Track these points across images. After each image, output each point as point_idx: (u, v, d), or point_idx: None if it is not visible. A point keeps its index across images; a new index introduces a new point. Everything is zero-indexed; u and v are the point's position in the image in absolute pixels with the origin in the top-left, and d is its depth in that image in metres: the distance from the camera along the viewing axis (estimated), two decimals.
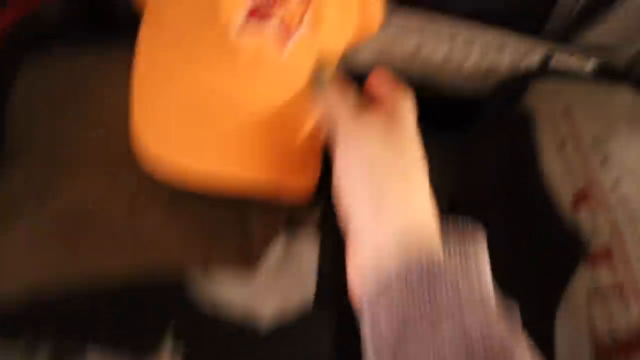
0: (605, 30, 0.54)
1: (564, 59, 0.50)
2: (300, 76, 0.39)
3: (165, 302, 0.37)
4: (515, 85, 0.48)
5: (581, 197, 0.40)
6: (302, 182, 0.41)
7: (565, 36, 0.55)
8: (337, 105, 0.36)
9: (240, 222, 0.40)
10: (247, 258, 0.39)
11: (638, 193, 0.39)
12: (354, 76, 0.51)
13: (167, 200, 0.40)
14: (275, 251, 0.40)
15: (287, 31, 0.38)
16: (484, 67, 0.51)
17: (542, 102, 0.45)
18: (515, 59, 0.51)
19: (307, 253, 0.42)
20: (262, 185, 0.38)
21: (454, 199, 0.50)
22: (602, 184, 0.40)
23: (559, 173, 0.42)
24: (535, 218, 0.42)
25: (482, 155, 0.49)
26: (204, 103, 0.38)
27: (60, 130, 0.41)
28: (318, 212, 0.43)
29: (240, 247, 0.39)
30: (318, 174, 0.42)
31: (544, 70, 0.50)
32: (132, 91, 0.39)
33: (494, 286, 0.31)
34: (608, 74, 0.49)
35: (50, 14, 0.47)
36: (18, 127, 0.41)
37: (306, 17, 0.38)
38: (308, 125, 0.41)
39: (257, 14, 0.37)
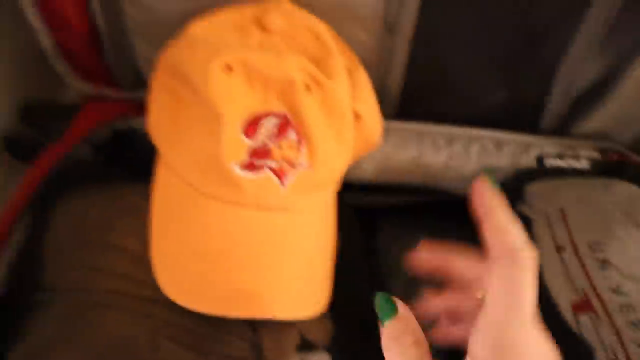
0: (600, 119, 0.56)
1: (558, 157, 0.52)
2: (302, 207, 0.42)
3: None
4: (513, 187, 0.50)
5: (582, 302, 0.41)
6: (313, 312, 0.43)
7: (561, 129, 0.57)
8: None
9: (254, 347, 0.42)
10: None
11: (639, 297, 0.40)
12: (358, 186, 0.54)
13: (186, 332, 0.42)
14: None
15: (286, 168, 0.42)
16: (484, 169, 0.53)
17: (538, 205, 0.47)
18: (513, 159, 0.53)
19: None
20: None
21: None
22: (602, 289, 0.41)
23: (559, 277, 0.43)
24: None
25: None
26: (214, 245, 0.41)
27: (88, 265, 0.44)
28: (328, 333, 0.45)
29: None
30: (328, 296, 0.44)
31: (540, 169, 0.52)
32: (150, 231, 0.43)
33: None
34: (603, 168, 0.50)
35: (80, 155, 0.53)
36: (50, 270, 0.45)
37: (303, 154, 0.42)
38: (318, 255, 0.43)
39: (258, 154, 0.41)
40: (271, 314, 0.40)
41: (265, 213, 0.42)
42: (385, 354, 0.28)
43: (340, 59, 0.45)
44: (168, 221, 0.43)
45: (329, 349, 0.44)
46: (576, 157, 0.51)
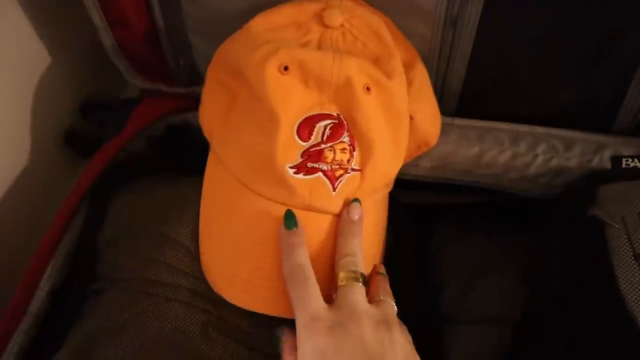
0: None
1: (637, 158, 0.48)
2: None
3: None
4: (585, 190, 0.46)
5: None
6: None
7: (636, 130, 0.52)
8: None
9: None
10: None
11: None
12: (415, 184, 0.52)
13: (239, 331, 0.41)
14: None
15: (338, 171, 0.41)
16: (551, 170, 0.50)
17: (614, 209, 0.43)
18: (584, 159, 0.49)
19: None
20: None
21: (527, 307, 0.48)
22: None
23: (637, 288, 0.39)
24: (608, 330, 0.39)
25: (553, 258, 0.47)
26: (262, 244, 0.40)
27: (143, 256, 0.45)
28: None
29: None
30: None
31: (615, 171, 0.48)
32: (200, 226, 0.43)
33: None
34: None
35: (136, 148, 0.53)
36: (106, 260, 0.46)
37: (355, 158, 0.41)
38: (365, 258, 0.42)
39: (311, 156, 0.40)
40: None
41: (315, 214, 0.41)
42: None
43: (399, 58, 0.44)
44: (217, 217, 0.43)
45: None
46: None
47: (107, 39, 0.56)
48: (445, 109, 0.56)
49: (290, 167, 0.40)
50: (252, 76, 0.41)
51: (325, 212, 0.41)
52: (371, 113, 0.41)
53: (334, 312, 0.36)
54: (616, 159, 0.48)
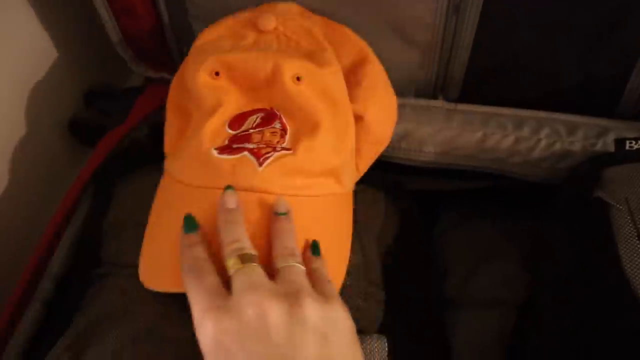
0: None
1: (639, 142, 0.48)
2: (287, 190, 0.40)
3: None
4: (589, 172, 0.47)
5: None
6: None
7: (639, 114, 0.53)
8: None
9: None
10: None
11: None
12: (418, 169, 0.52)
13: None
14: None
15: (264, 149, 0.40)
16: (554, 154, 0.50)
17: (618, 190, 0.43)
18: (587, 143, 0.50)
19: (377, 354, 0.41)
20: None
21: (531, 290, 0.48)
22: None
23: (639, 265, 0.39)
24: (613, 312, 0.39)
25: (557, 243, 0.47)
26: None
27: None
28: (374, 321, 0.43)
29: None
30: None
31: (618, 154, 0.48)
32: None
33: None
34: None
35: (140, 137, 0.53)
36: (110, 246, 0.46)
37: (286, 140, 0.41)
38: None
39: (237, 139, 0.41)
40: None
41: (243, 193, 0.39)
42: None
43: (333, 53, 0.46)
44: (153, 218, 0.43)
45: (387, 333, 0.42)
46: None
47: (112, 28, 0.56)
48: (449, 94, 0.56)
49: (215, 149, 0.40)
50: (190, 87, 0.44)
51: (253, 190, 0.39)
52: (303, 99, 0.42)
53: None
54: (620, 141, 0.48)
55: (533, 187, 0.52)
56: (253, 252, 0.35)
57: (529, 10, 0.49)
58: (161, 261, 0.40)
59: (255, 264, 0.34)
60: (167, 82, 0.50)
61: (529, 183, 0.52)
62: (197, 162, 0.41)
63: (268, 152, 0.40)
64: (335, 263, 0.41)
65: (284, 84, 0.42)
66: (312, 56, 0.45)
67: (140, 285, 0.41)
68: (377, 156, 0.50)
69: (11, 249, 0.58)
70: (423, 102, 0.54)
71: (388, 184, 0.49)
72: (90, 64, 0.65)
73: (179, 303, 0.40)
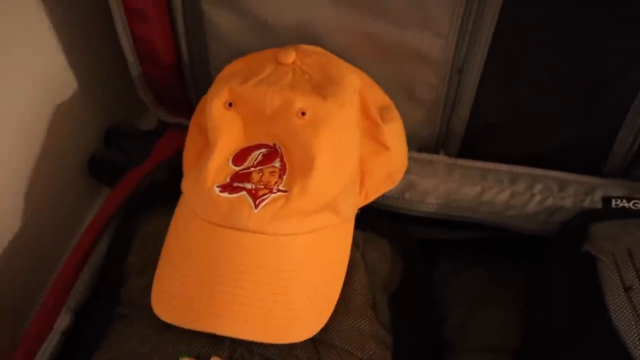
0: None
1: (625, 199, 0.52)
2: (282, 230, 0.43)
3: None
4: (578, 227, 0.50)
5: None
6: (294, 337, 0.41)
7: (625, 172, 0.57)
8: None
9: None
10: None
11: None
12: (420, 220, 0.56)
13: (257, 355, 0.42)
14: None
15: (262, 190, 0.43)
16: (547, 208, 0.54)
17: (604, 245, 0.47)
18: (577, 200, 0.54)
19: None
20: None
21: (526, 338, 0.51)
22: None
23: (628, 317, 0.42)
24: (602, 358, 0.42)
25: (550, 292, 0.50)
26: (191, 261, 0.43)
27: None
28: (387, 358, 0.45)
29: None
30: (317, 324, 0.42)
31: (605, 211, 0.52)
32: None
33: None
34: None
35: (160, 178, 0.56)
36: (130, 286, 0.48)
37: (284, 181, 0.44)
38: (303, 282, 0.43)
39: (239, 177, 0.44)
40: (244, 335, 0.40)
41: (237, 232, 0.42)
42: None
43: (343, 87, 0.47)
44: (166, 246, 0.46)
45: None
46: None
47: (135, 70, 0.60)
48: (449, 150, 0.60)
49: (218, 187, 0.43)
50: (207, 114, 0.47)
51: (246, 230, 0.42)
52: (302, 135, 0.44)
53: None
54: (607, 200, 0.52)
55: (527, 238, 0.56)
56: None
57: (525, 73, 0.54)
58: (168, 292, 0.43)
59: None
60: (185, 128, 0.54)
61: (524, 235, 0.55)
62: (201, 197, 0.44)
63: (265, 194, 0.43)
64: (329, 291, 0.44)
65: (288, 119, 0.45)
66: (320, 88, 0.47)
67: (162, 327, 0.43)
68: (387, 188, 0.53)
69: (28, 285, 0.59)
70: (426, 156, 0.58)
71: (394, 231, 0.52)
72: (110, 103, 0.68)
73: (205, 347, 0.42)
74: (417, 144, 0.59)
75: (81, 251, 0.54)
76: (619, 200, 0.52)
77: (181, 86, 0.61)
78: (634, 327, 0.42)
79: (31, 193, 0.58)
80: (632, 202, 0.51)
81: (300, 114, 0.45)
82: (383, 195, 0.54)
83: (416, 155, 0.58)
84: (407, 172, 0.55)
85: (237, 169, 0.45)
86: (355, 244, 0.48)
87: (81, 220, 0.65)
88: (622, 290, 0.44)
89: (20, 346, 0.49)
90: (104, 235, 0.54)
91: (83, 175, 0.65)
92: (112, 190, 0.58)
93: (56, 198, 0.62)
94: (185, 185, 0.48)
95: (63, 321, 0.49)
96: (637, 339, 0.42)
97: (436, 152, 0.60)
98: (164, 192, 0.54)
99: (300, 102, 0.45)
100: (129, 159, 0.60)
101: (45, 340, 0.48)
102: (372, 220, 0.52)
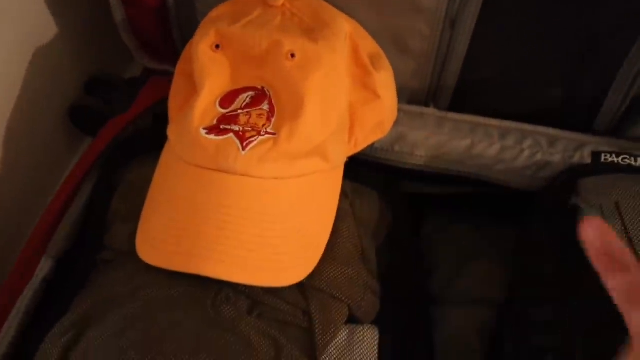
0: None
1: (615, 154, 0.52)
2: (270, 174, 0.42)
3: None
4: (567, 181, 0.50)
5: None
6: (282, 281, 0.41)
7: (614, 131, 0.57)
8: None
9: (305, 314, 0.43)
10: (310, 351, 0.41)
11: None
12: (409, 173, 0.55)
13: (244, 297, 0.42)
14: (337, 343, 0.42)
15: (249, 133, 0.42)
16: (536, 164, 0.53)
17: (593, 198, 0.47)
18: (566, 155, 0.53)
19: (368, 342, 0.44)
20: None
21: (512, 288, 0.52)
22: None
23: None
24: (588, 308, 0.43)
25: (537, 245, 0.50)
26: (177, 204, 0.42)
27: None
28: (375, 310, 0.45)
29: (304, 340, 0.41)
30: (305, 269, 0.42)
31: (594, 166, 0.52)
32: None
33: None
34: None
35: (143, 125, 0.55)
36: (113, 232, 0.47)
37: (272, 123, 0.43)
38: (291, 226, 0.42)
39: (226, 119, 0.44)
40: (227, 276, 0.40)
41: (225, 175, 0.41)
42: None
43: (334, 31, 0.46)
44: (153, 188, 0.46)
45: (377, 324, 0.44)
46: (633, 157, 0.51)
47: (119, 15, 0.57)
48: (439, 103, 0.59)
49: (204, 129, 0.43)
50: (193, 57, 0.46)
51: (233, 172, 0.41)
52: (291, 77, 0.44)
53: None
54: (596, 154, 0.52)
55: (515, 195, 0.56)
56: None
57: (519, 28, 0.53)
58: (154, 235, 0.42)
59: None
60: (170, 75, 0.52)
61: (511, 190, 0.55)
62: (187, 140, 0.43)
63: (252, 136, 0.42)
64: (317, 237, 0.44)
65: (277, 62, 0.44)
66: (311, 32, 0.46)
67: (146, 270, 0.42)
68: (377, 137, 0.52)
69: (8, 233, 0.58)
70: (416, 108, 0.57)
71: (383, 183, 0.52)
72: (92, 52, 0.66)
73: (184, 287, 0.42)
74: (407, 96, 0.58)
75: (61, 200, 0.52)
76: (608, 155, 0.52)
77: (166, 31, 0.59)
78: None
79: (10, 142, 0.57)
80: (621, 157, 0.51)
81: (289, 56, 0.44)
82: (372, 148, 0.54)
83: (406, 107, 0.57)
84: (397, 124, 0.54)
85: (224, 111, 0.44)
86: (344, 194, 0.48)
87: (63, 170, 0.63)
88: None
89: (3, 290, 0.49)
90: (85, 183, 0.53)
91: (65, 125, 0.63)
92: (93, 139, 0.56)
93: (37, 147, 0.60)
94: (171, 130, 0.47)
95: (44, 268, 0.48)
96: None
97: (427, 105, 0.59)
98: (148, 139, 0.52)
99: (289, 44, 0.44)
100: (111, 107, 0.58)
101: (25, 288, 0.47)
102: (362, 171, 0.51)
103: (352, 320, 0.44)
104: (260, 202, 0.41)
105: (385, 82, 0.50)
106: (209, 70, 0.45)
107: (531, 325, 0.46)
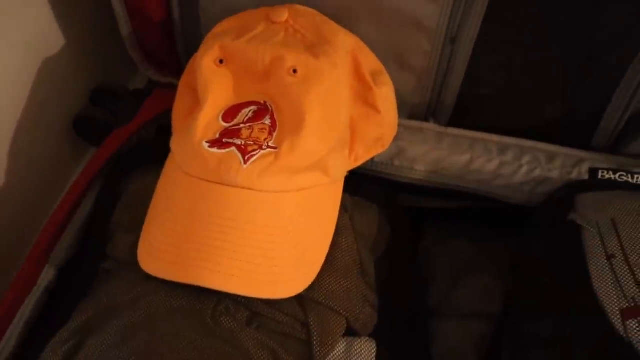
0: None
1: (612, 171, 0.53)
2: (271, 187, 0.43)
3: None
4: (565, 196, 0.51)
5: (632, 309, 0.41)
6: (279, 293, 0.42)
7: (612, 147, 0.57)
8: None
9: (304, 326, 0.43)
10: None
11: None
12: (409, 187, 0.56)
13: (242, 308, 0.43)
14: (335, 355, 0.43)
15: (251, 147, 0.43)
16: (534, 179, 0.54)
17: (589, 214, 0.48)
18: (564, 171, 0.54)
19: (365, 354, 0.44)
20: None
21: (509, 302, 0.52)
22: None
23: (608, 284, 0.43)
24: (585, 327, 0.43)
25: (534, 259, 0.51)
26: (178, 215, 0.43)
27: None
28: (373, 323, 0.45)
29: (303, 352, 0.42)
30: (304, 282, 0.43)
31: (592, 182, 0.52)
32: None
33: None
34: None
35: (148, 136, 0.56)
36: (116, 242, 0.47)
37: (274, 138, 0.44)
38: (290, 240, 0.43)
39: (228, 133, 0.44)
40: (226, 288, 0.40)
41: (226, 188, 0.42)
42: None
43: (335, 47, 0.47)
44: (155, 200, 0.46)
45: (375, 337, 0.44)
46: (630, 174, 0.52)
47: (125, 28, 0.58)
48: (439, 119, 0.60)
49: (207, 142, 0.43)
50: (197, 71, 0.46)
51: (234, 185, 0.42)
52: (293, 92, 0.44)
53: None
54: (593, 171, 0.53)
55: (513, 210, 0.56)
56: None
57: (518, 45, 0.54)
58: (155, 246, 0.43)
59: None
60: (174, 88, 0.53)
61: (509, 205, 0.56)
62: (190, 152, 0.44)
63: (254, 150, 0.43)
64: (316, 249, 0.44)
65: (280, 77, 0.45)
66: (313, 47, 0.46)
67: (147, 280, 0.43)
68: (377, 152, 0.52)
69: (12, 241, 0.58)
70: (416, 123, 0.58)
71: (382, 196, 0.53)
72: (98, 63, 0.67)
73: (184, 298, 0.42)
74: (407, 111, 0.59)
75: (65, 209, 0.53)
76: (605, 172, 0.52)
77: (171, 44, 0.60)
78: (613, 293, 0.43)
79: (15, 151, 0.57)
80: (618, 174, 0.52)
81: (291, 72, 0.44)
82: (372, 161, 0.54)
83: (406, 122, 0.58)
84: (397, 138, 0.55)
85: (227, 125, 0.45)
86: (343, 207, 0.48)
87: (67, 179, 0.64)
88: (605, 258, 0.45)
89: (5, 299, 0.49)
90: (89, 193, 0.54)
91: (69, 135, 0.64)
92: (97, 149, 0.57)
93: (41, 157, 0.61)
94: (174, 142, 0.48)
95: (47, 276, 0.49)
96: (616, 305, 0.42)
97: (427, 120, 0.60)
98: (151, 150, 0.53)
99: (292, 60, 0.45)
100: (116, 118, 0.59)
101: (28, 297, 0.48)
102: (361, 185, 0.52)
103: (350, 332, 0.44)
104: (260, 215, 0.42)
105: (386, 97, 0.51)
106: (213, 85, 0.45)
107: (529, 339, 0.46)
